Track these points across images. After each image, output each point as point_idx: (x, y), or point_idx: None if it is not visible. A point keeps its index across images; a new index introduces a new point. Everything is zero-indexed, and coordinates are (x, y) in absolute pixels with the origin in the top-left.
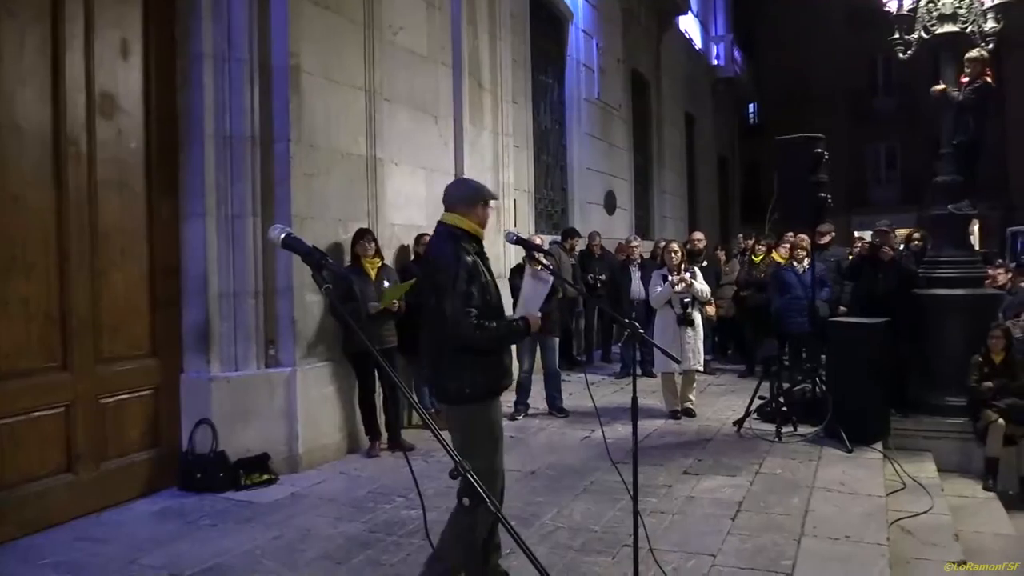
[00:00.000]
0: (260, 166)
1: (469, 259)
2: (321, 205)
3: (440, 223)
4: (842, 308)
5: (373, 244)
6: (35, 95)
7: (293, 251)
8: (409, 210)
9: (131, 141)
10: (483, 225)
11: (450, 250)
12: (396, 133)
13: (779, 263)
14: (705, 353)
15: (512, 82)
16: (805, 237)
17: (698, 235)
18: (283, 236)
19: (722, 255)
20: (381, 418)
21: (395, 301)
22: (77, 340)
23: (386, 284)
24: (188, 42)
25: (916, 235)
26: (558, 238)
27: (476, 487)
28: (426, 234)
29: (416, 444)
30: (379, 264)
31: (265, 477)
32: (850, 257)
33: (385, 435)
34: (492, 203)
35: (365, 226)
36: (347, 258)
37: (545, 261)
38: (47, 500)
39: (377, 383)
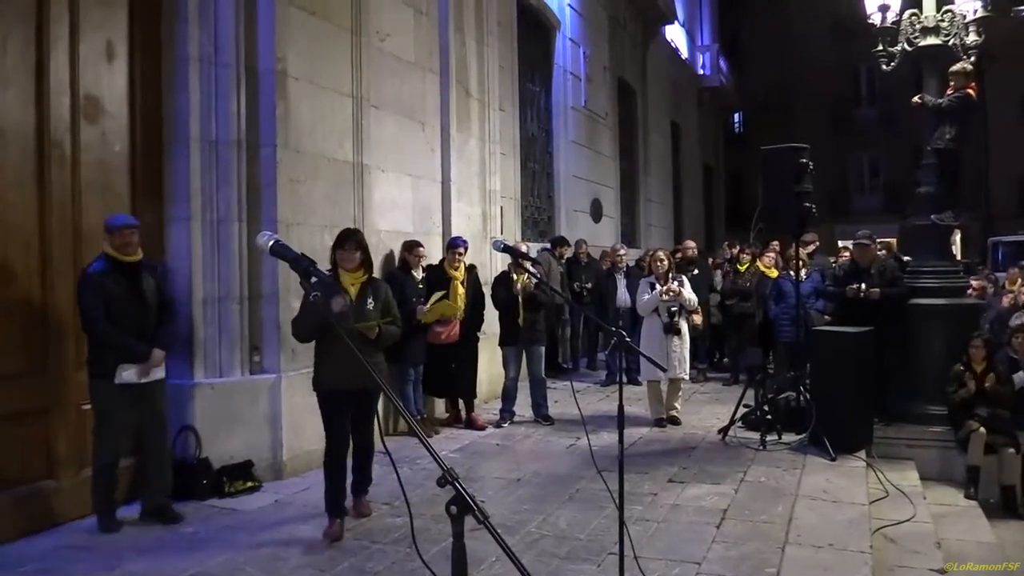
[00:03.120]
0: (246, 171)
1: None
2: (307, 211)
3: None
4: (826, 317)
5: (357, 254)
6: (18, 97)
7: (281, 258)
8: (395, 216)
9: (115, 144)
10: None
11: None
12: (383, 139)
13: (762, 271)
14: (699, 361)
15: (499, 89)
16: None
17: (690, 243)
18: (271, 243)
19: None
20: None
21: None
22: (58, 344)
23: (370, 304)
24: (174, 45)
25: (880, 246)
26: (547, 245)
27: (464, 495)
28: (416, 241)
29: (402, 450)
30: (363, 279)
31: (249, 484)
32: (834, 265)
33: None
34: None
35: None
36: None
37: (532, 269)
38: (28, 506)
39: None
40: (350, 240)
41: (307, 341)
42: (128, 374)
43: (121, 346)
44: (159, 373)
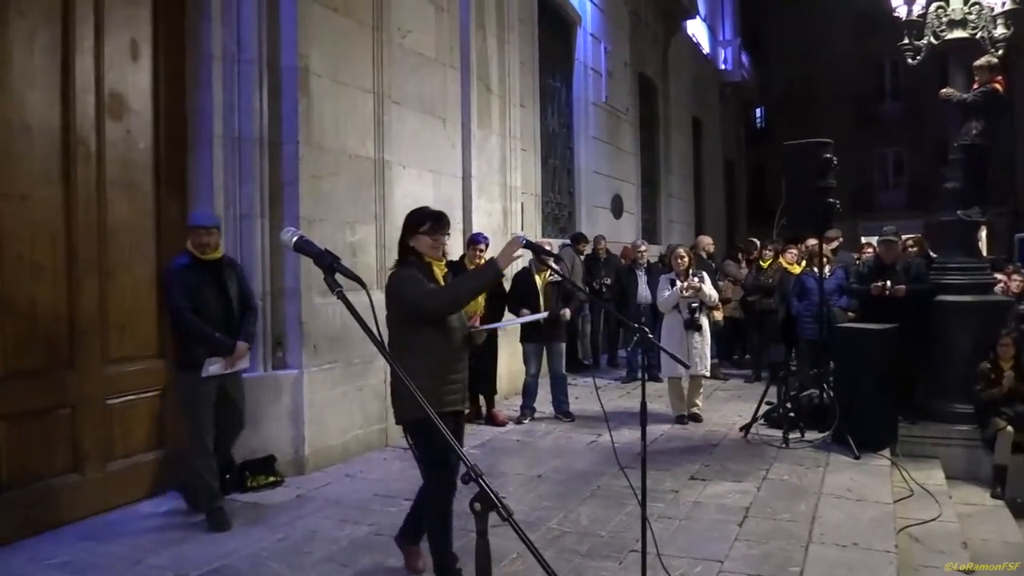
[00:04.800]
0: (268, 167)
1: None
2: (329, 207)
3: None
4: (850, 314)
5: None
6: (45, 95)
7: (305, 254)
8: None
9: (140, 141)
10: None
11: None
12: (404, 136)
13: (785, 268)
14: (711, 357)
15: (520, 85)
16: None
17: (705, 239)
18: (295, 239)
19: (743, 260)
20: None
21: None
22: (84, 340)
23: None
24: (198, 43)
25: (911, 242)
26: (567, 241)
27: (488, 492)
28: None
29: None
30: (447, 270)
31: (271, 479)
32: (857, 262)
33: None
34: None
35: (372, 228)
36: (356, 259)
37: (555, 266)
38: (54, 500)
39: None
40: (445, 224)
41: (454, 312)
42: (215, 367)
43: (208, 339)
44: (242, 365)
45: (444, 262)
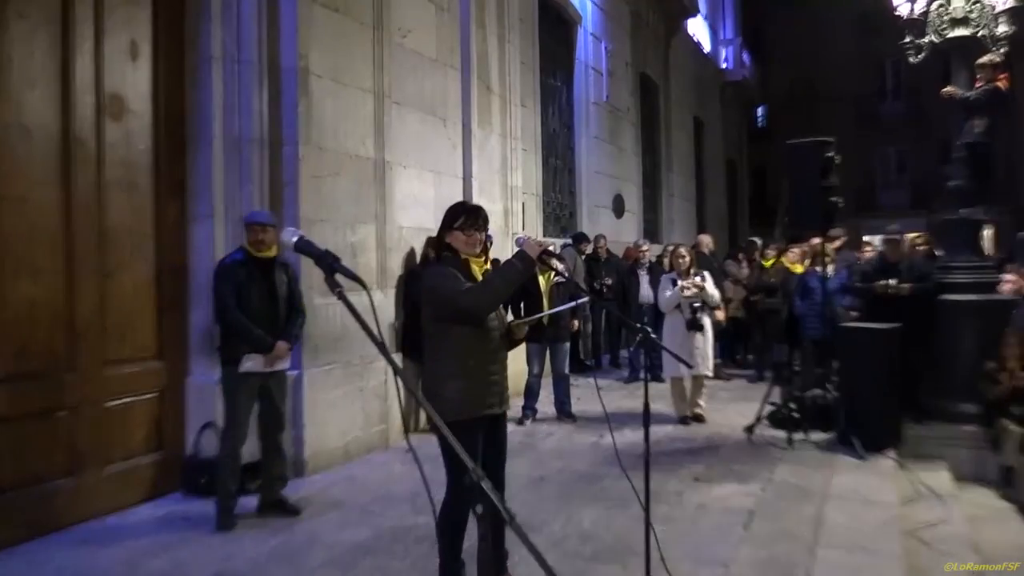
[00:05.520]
0: (268, 168)
1: None
2: (330, 207)
3: None
4: (853, 313)
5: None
6: (44, 96)
7: (306, 254)
8: (417, 212)
9: (139, 142)
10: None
11: None
12: (405, 136)
13: (788, 267)
14: (714, 357)
15: (520, 85)
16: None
17: (704, 238)
18: (296, 239)
19: (743, 260)
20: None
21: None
22: (83, 342)
23: None
24: (197, 44)
25: (920, 240)
26: (569, 241)
27: (490, 496)
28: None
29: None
30: (486, 266)
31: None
32: (859, 261)
33: None
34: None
35: (372, 228)
36: (357, 260)
37: (559, 266)
38: (52, 504)
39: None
40: (479, 218)
41: (493, 310)
42: (252, 363)
43: (248, 335)
44: (283, 365)
45: (484, 260)
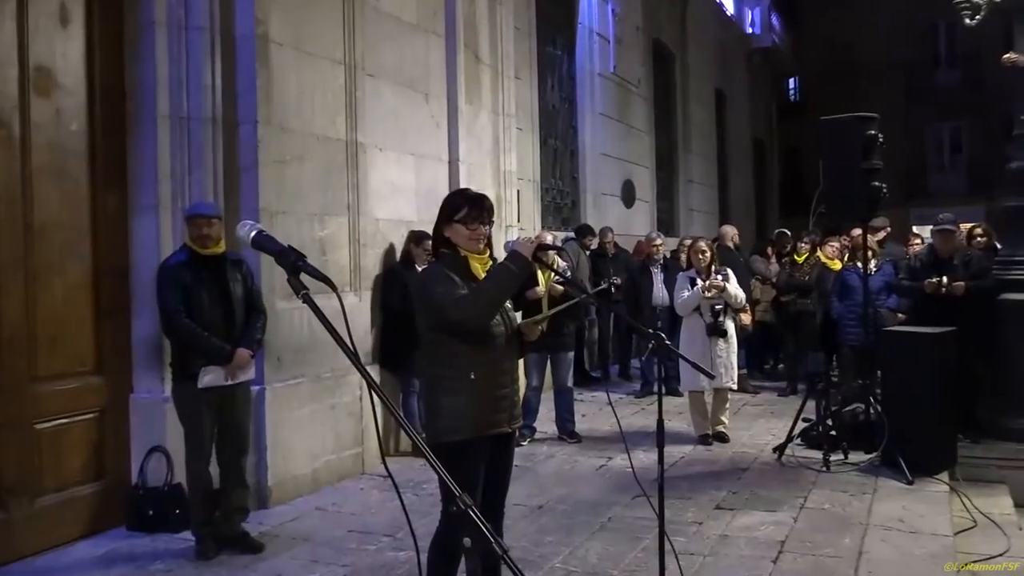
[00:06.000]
0: (222, 152)
1: None
2: (294, 197)
3: None
4: (900, 316)
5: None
6: None
7: (265, 251)
8: (396, 202)
9: (71, 123)
10: None
11: None
12: (380, 113)
13: (824, 263)
14: (739, 367)
15: (515, 55)
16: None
17: (728, 229)
18: (253, 234)
19: (772, 255)
20: None
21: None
22: (7, 355)
23: None
24: (138, 7)
25: (979, 231)
26: (571, 234)
27: (480, 526)
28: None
29: (405, 472)
30: (490, 263)
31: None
32: (908, 256)
33: None
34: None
35: (344, 221)
36: (326, 257)
37: (561, 263)
38: None
39: None
40: (484, 208)
41: (488, 322)
42: (211, 377)
43: (202, 344)
44: (245, 376)
45: (487, 256)
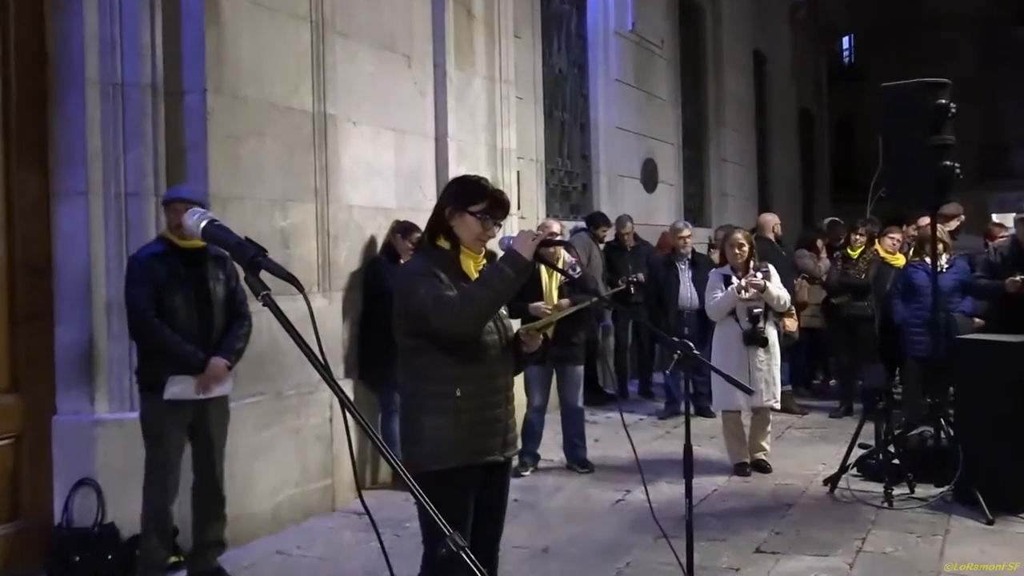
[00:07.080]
0: (164, 126)
1: None
2: (250, 180)
3: None
4: (977, 321)
5: None
6: None
7: (217, 243)
8: (372, 186)
9: None
10: None
11: None
12: (354, 80)
13: (883, 258)
14: (784, 383)
15: (514, 9)
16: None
17: (769, 217)
18: (204, 224)
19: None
20: None
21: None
22: None
23: None
24: None
25: None
26: (581, 225)
27: (475, 569)
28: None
29: (384, 508)
30: (484, 262)
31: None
32: (987, 250)
33: None
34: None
35: (311, 208)
36: (289, 251)
37: (569, 259)
38: None
39: None
40: (504, 209)
41: (478, 332)
42: (179, 388)
43: (172, 349)
44: (221, 390)
45: (483, 255)
